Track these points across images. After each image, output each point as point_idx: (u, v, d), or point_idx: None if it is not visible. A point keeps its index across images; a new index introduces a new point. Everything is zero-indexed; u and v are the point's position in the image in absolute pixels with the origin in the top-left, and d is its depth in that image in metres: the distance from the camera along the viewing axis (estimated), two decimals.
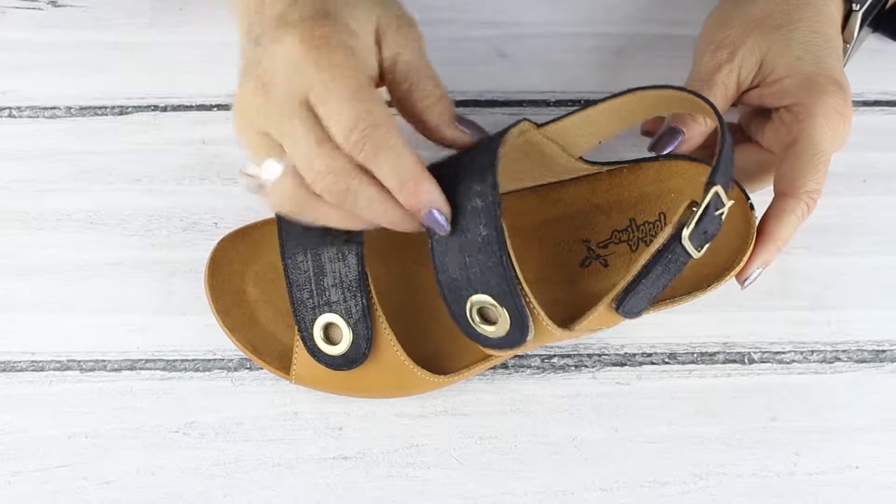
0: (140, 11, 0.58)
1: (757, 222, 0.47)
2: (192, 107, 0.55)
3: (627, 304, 0.43)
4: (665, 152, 0.48)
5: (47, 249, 0.52)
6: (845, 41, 0.49)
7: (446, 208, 0.41)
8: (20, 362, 0.50)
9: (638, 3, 0.58)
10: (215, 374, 0.50)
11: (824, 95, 0.45)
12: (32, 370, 0.50)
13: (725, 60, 0.47)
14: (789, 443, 0.49)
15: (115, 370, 0.50)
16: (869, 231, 0.53)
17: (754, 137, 0.49)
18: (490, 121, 0.55)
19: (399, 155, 0.39)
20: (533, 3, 0.59)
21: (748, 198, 0.48)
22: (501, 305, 0.42)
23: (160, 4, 0.58)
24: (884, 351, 0.51)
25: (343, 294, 0.45)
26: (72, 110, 0.55)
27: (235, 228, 0.50)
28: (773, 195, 0.46)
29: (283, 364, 0.47)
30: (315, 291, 0.45)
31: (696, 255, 0.42)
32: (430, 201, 0.40)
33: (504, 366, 0.50)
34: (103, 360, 0.50)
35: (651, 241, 0.49)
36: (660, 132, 0.48)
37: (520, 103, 0.56)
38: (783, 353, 0.51)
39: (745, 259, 0.46)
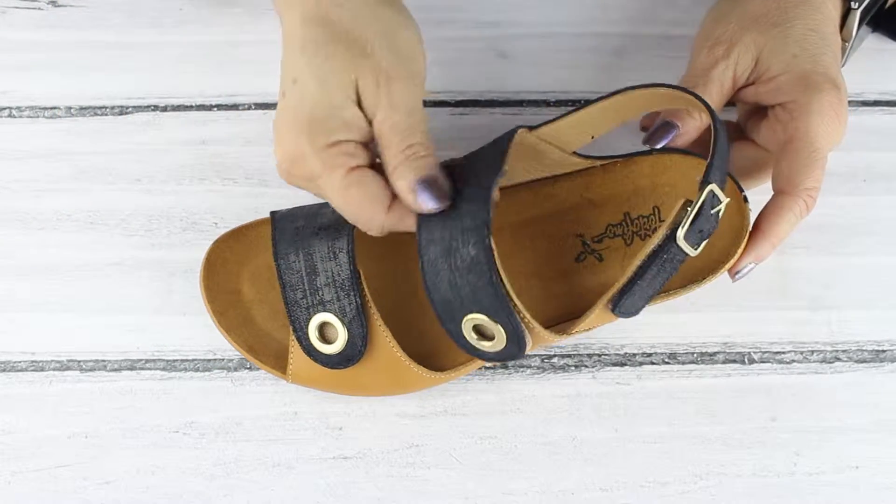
0: (140, 11, 0.58)
1: (752, 216, 0.47)
2: (192, 107, 0.55)
3: (623, 305, 0.43)
4: (659, 146, 0.48)
5: (47, 249, 0.52)
6: (844, 40, 0.49)
7: (445, 183, 0.42)
8: (20, 362, 0.50)
9: (638, 3, 0.58)
10: (215, 374, 0.50)
11: (819, 93, 0.45)
12: (32, 370, 0.50)
13: (721, 57, 0.47)
14: (789, 443, 0.49)
15: (115, 370, 0.50)
16: (869, 231, 0.53)
17: (751, 135, 0.49)
18: (490, 121, 0.55)
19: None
20: (533, 3, 0.59)
21: (742, 191, 0.48)
22: (496, 322, 0.42)
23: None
24: (884, 351, 0.51)
25: (336, 293, 0.45)
26: (72, 110, 0.55)
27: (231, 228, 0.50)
28: (768, 191, 0.46)
29: (279, 363, 0.47)
30: (308, 291, 0.45)
31: (692, 253, 0.42)
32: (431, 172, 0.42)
33: (504, 366, 0.50)
34: (103, 360, 0.50)
35: (645, 234, 0.49)
36: (654, 126, 0.48)
37: (519, 103, 0.56)
38: (783, 353, 0.50)
39: (739, 252, 0.47)
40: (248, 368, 0.50)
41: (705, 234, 0.42)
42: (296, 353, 0.46)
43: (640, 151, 0.50)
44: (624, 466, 0.48)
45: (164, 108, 0.56)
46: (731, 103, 0.49)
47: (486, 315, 0.42)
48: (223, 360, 0.50)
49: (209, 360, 0.50)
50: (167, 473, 0.48)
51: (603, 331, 0.50)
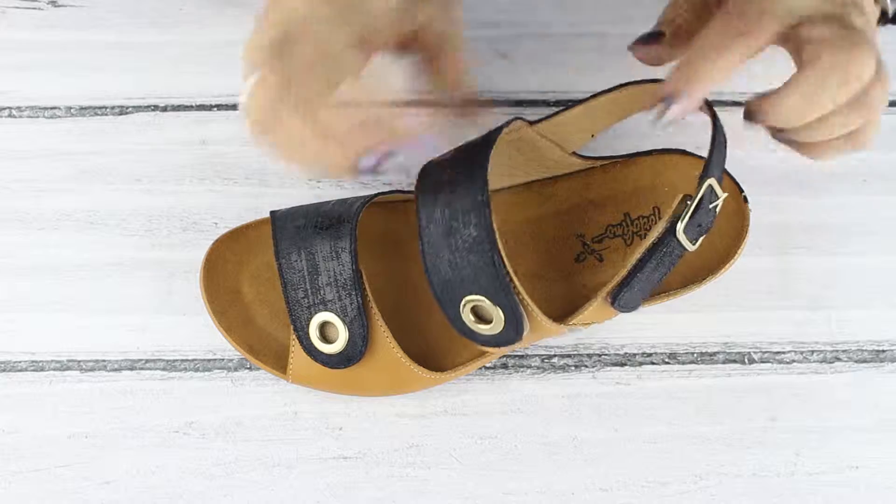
0: (140, 11, 0.58)
1: (751, 217, 0.47)
2: (192, 107, 0.55)
3: (622, 299, 0.43)
4: (639, 51, 0.45)
5: (47, 249, 0.52)
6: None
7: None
8: (20, 362, 0.50)
9: (638, 3, 0.58)
10: (215, 374, 0.50)
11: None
12: (32, 370, 0.50)
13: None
14: (789, 443, 0.49)
15: (115, 370, 0.50)
16: (869, 231, 0.53)
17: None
18: (490, 121, 0.55)
19: None
20: (533, 3, 0.59)
21: (742, 192, 0.48)
22: (495, 304, 0.42)
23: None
24: (884, 351, 0.51)
25: (338, 292, 0.45)
26: (72, 110, 0.55)
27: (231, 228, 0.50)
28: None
29: (279, 363, 0.47)
30: (310, 290, 0.46)
31: (690, 248, 0.43)
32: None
33: (504, 366, 0.50)
34: (103, 360, 0.50)
35: (645, 234, 0.49)
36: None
37: (519, 103, 0.56)
38: (783, 353, 0.51)
39: (739, 253, 0.47)
40: (248, 368, 0.50)
41: (703, 228, 0.43)
42: (296, 353, 0.46)
43: (640, 152, 0.50)
44: (624, 466, 0.48)
45: (164, 108, 0.56)
46: (737, 104, 0.49)
47: (485, 296, 0.42)
48: (223, 360, 0.50)
49: (209, 360, 0.50)
50: (167, 473, 0.48)
51: (603, 331, 0.50)
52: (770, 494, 0.48)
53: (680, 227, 0.41)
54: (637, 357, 0.50)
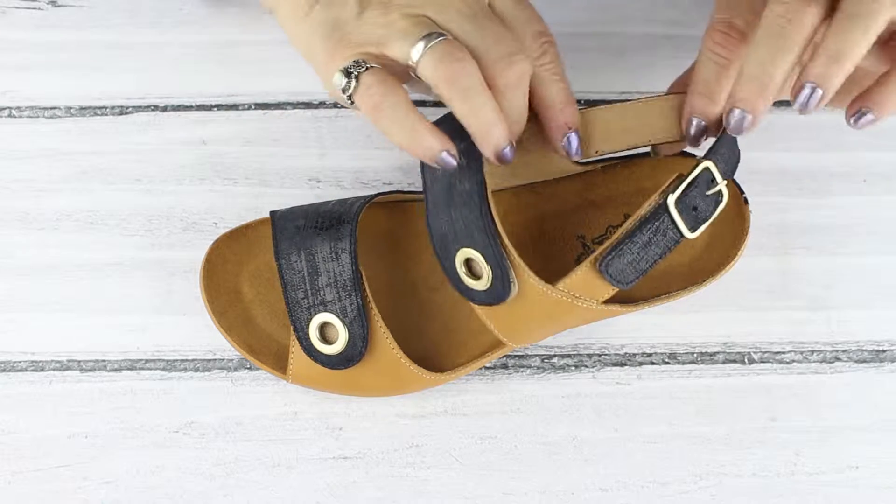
0: (140, 11, 0.58)
1: (751, 218, 0.47)
2: (192, 107, 0.55)
3: (612, 267, 0.43)
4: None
5: (47, 249, 0.52)
6: None
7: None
8: (20, 362, 0.50)
9: (638, 3, 0.58)
10: (215, 374, 0.50)
11: None
12: (32, 370, 0.50)
13: None
14: (789, 443, 0.49)
15: (115, 370, 0.50)
16: (869, 231, 0.53)
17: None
18: None
19: (564, 74, 0.44)
20: (533, 3, 0.58)
21: (742, 193, 0.48)
22: (484, 259, 0.43)
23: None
24: (884, 351, 0.51)
25: (338, 293, 0.45)
26: (72, 110, 0.56)
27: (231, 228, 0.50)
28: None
29: (279, 364, 0.47)
30: (310, 291, 0.46)
31: (686, 231, 0.42)
32: (575, 124, 0.44)
33: (504, 366, 0.50)
34: (103, 360, 0.50)
35: None
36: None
37: None
38: (783, 353, 0.50)
39: (739, 254, 0.47)
40: (248, 368, 0.50)
41: (700, 214, 0.42)
42: (296, 353, 0.46)
43: (641, 153, 0.50)
44: (624, 466, 0.48)
45: (164, 108, 0.56)
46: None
47: (474, 248, 0.43)
48: (223, 360, 0.50)
49: (209, 360, 0.50)
50: (167, 473, 0.48)
51: (603, 331, 0.50)
52: (770, 494, 0.48)
53: (671, 200, 0.42)
54: (637, 357, 0.50)
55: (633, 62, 0.57)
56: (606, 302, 0.45)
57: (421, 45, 0.40)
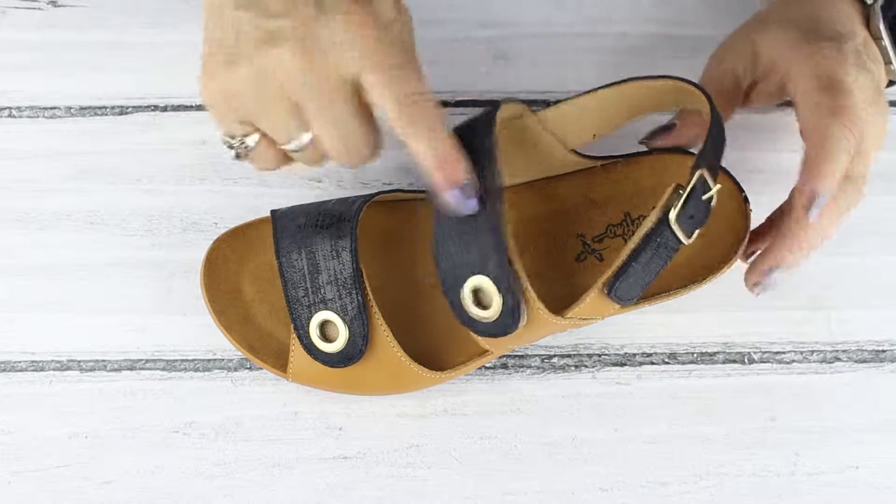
0: (140, 11, 0.58)
1: (752, 217, 0.47)
2: (192, 107, 0.55)
3: (619, 290, 0.43)
4: (655, 144, 0.49)
5: (47, 249, 0.52)
6: (875, 37, 0.47)
7: (479, 186, 0.41)
8: (20, 362, 0.50)
9: (638, 3, 0.58)
10: (215, 374, 0.50)
11: (808, 48, 0.44)
12: (32, 370, 0.50)
13: (717, 63, 0.48)
14: (789, 443, 0.49)
15: (115, 370, 0.50)
16: (869, 231, 0.53)
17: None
18: None
19: (442, 130, 0.40)
20: (533, 3, 0.59)
21: (742, 192, 0.48)
22: (496, 288, 0.42)
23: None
24: (884, 351, 0.51)
25: (338, 291, 0.45)
26: (72, 110, 0.56)
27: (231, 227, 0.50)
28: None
29: (279, 362, 0.47)
30: (310, 289, 0.46)
31: (685, 240, 0.42)
32: (465, 179, 0.41)
33: (504, 366, 0.50)
34: (103, 360, 0.50)
35: None
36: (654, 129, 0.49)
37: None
38: (783, 353, 0.51)
39: (739, 253, 0.47)
40: (248, 368, 0.50)
41: (697, 221, 0.43)
42: (296, 352, 0.46)
43: (641, 152, 0.50)
44: (624, 466, 0.48)
45: (164, 108, 0.56)
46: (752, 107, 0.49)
47: (488, 277, 0.42)
48: (223, 360, 0.50)
49: (209, 360, 0.50)
50: (167, 473, 0.48)
51: (603, 331, 0.50)
52: (770, 494, 0.48)
53: (672, 216, 0.41)
54: (637, 357, 0.50)
55: (633, 62, 0.57)
56: None
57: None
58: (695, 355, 0.50)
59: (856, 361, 0.50)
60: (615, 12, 0.58)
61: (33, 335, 0.50)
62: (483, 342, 0.46)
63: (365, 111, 0.40)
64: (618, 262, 0.43)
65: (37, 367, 0.50)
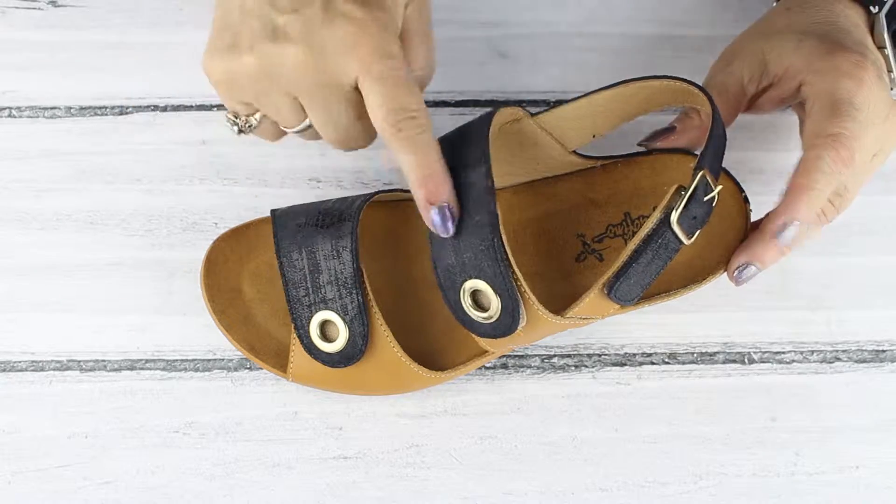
0: (140, 11, 0.58)
1: (752, 217, 0.47)
2: (192, 107, 0.55)
3: (619, 290, 0.43)
4: (654, 145, 0.49)
5: (47, 249, 0.52)
6: (879, 46, 0.47)
7: (457, 211, 0.42)
8: (20, 362, 0.50)
9: (638, 3, 0.58)
10: (215, 374, 0.50)
11: (832, 56, 0.44)
12: (32, 370, 0.50)
13: (722, 67, 0.47)
14: (789, 443, 0.49)
15: (115, 370, 0.50)
16: (868, 231, 0.53)
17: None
18: None
19: (431, 149, 0.41)
20: (533, 3, 0.59)
21: (743, 192, 0.48)
22: (494, 290, 0.42)
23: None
24: (884, 351, 0.51)
25: (339, 291, 0.45)
26: (72, 110, 0.56)
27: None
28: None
29: (279, 362, 0.47)
30: (311, 289, 0.46)
31: (686, 241, 0.42)
32: (446, 200, 0.42)
33: (504, 366, 0.50)
34: (103, 360, 0.50)
35: None
36: (653, 131, 0.49)
37: (519, 103, 0.56)
38: (783, 353, 0.51)
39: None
40: (248, 368, 0.50)
41: (699, 221, 0.43)
42: (297, 351, 0.46)
43: (641, 152, 0.50)
44: (624, 466, 0.48)
45: (164, 108, 0.56)
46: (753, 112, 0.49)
47: (484, 280, 0.42)
48: (223, 360, 0.50)
49: (209, 360, 0.50)
50: (167, 473, 0.48)
51: (603, 331, 0.50)
52: (770, 494, 0.48)
53: (674, 217, 0.41)
54: (637, 357, 0.50)
55: (633, 62, 0.57)
56: None
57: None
58: (695, 355, 0.50)
59: (856, 361, 0.50)
60: (615, 12, 0.58)
61: (33, 335, 0.50)
62: (483, 342, 0.46)
63: (362, 109, 0.41)
64: (618, 263, 0.43)
65: (37, 367, 0.50)
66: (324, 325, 0.46)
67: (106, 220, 0.53)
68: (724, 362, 0.50)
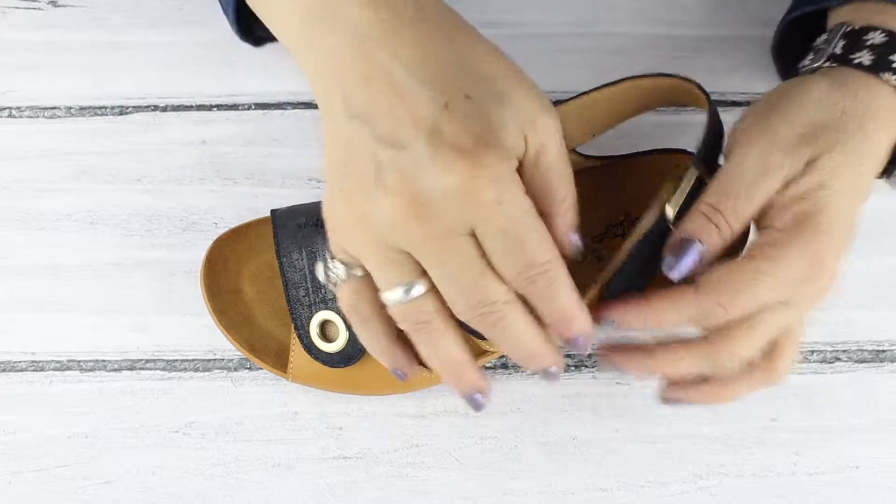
0: (140, 11, 0.58)
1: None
2: (192, 107, 0.55)
3: (619, 289, 0.43)
4: (684, 271, 0.41)
5: (47, 249, 0.52)
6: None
7: (590, 340, 0.39)
8: (20, 362, 0.50)
9: (638, 3, 0.58)
10: (215, 374, 0.50)
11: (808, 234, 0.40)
12: (32, 370, 0.50)
13: (776, 166, 0.40)
14: (789, 443, 0.49)
15: (115, 370, 0.50)
16: (868, 231, 0.53)
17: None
18: None
19: (562, 294, 0.37)
20: (533, 3, 0.59)
21: None
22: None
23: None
24: (884, 351, 0.51)
25: None
26: (72, 110, 0.56)
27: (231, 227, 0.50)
28: None
29: (280, 362, 0.48)
30: (311, 289, 0.46)
31: None
32: (582, 332, 0.38)
33: (504, 366, 0.50)
34: (103, 360, 0.50)
35: None
36: (671, 242, 0.40)
37: None
38: None
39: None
40: (248, 368, 0.50)
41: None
42: (297, 351, 0.47)
43: (641, 152, 0.50)
44: (624, 466, 0.48)
45: (164, 108, 0.56)
46: (736, 104, 0.49)
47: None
48: (223, 360, 0.50)
49: (209, 360, 0.50)
50: (167, 473, 0.48)
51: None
52: (770, 494, 0.48)
53: (670, 213, 0.41)
54: None
55: (633, 62, 0.57)
56: None
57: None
58: None
59: (856, 361, 0.50)
60: (615, 12, 0.58)
61: (33, 335, 0.51)
62: (483, 342, 0.46)
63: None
64: (616, 262, 0.43)
65: (37, 367, 0.50)
66: (324, 325, 0.46)
67: (106, 220, 0.53)
68: None
